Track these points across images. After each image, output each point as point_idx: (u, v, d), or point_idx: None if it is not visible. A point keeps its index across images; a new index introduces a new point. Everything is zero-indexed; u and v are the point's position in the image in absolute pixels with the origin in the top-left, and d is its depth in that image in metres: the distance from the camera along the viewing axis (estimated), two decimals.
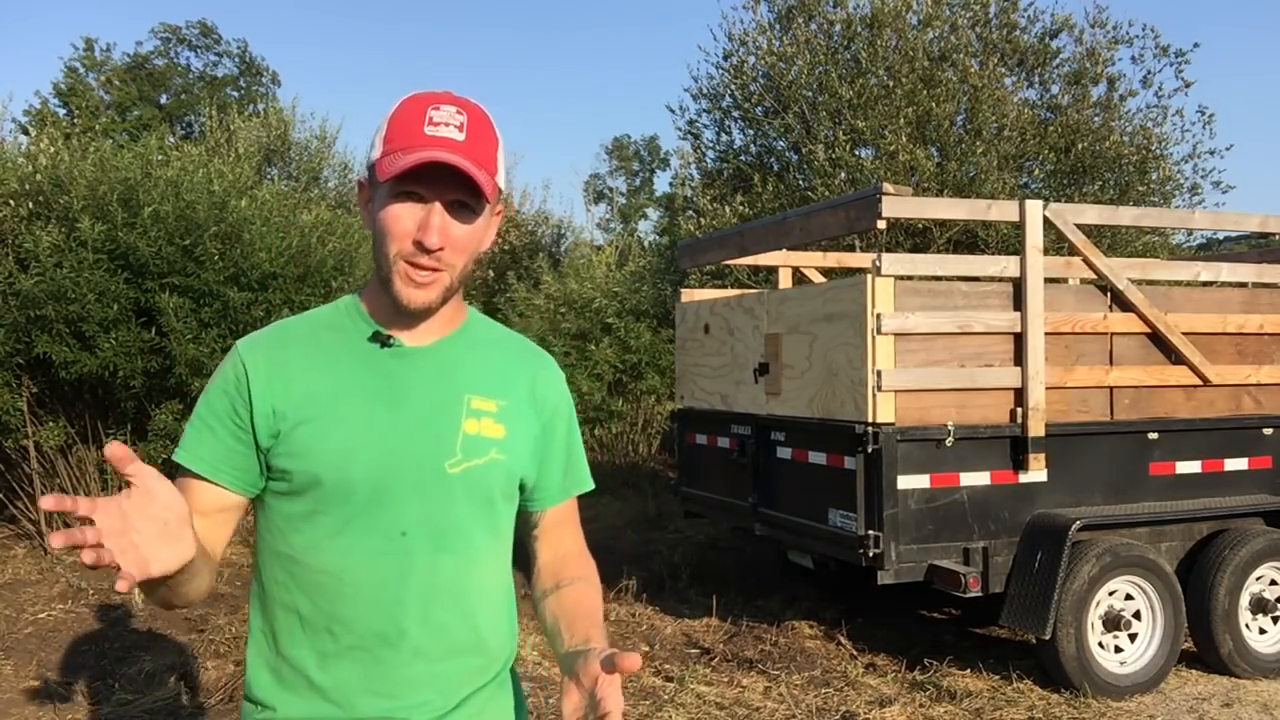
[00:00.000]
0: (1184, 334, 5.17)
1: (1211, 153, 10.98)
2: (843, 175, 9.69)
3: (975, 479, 4.83)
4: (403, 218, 1.38)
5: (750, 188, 10.38)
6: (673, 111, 12.96)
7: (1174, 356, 5.19)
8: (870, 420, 4.66)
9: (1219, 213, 7.10)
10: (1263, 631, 5.14)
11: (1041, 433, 4.85)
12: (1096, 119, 10.35)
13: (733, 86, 11.09)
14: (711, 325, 6.15)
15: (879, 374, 4.65)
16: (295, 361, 1.42)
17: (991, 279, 4.99)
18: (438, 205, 1.38)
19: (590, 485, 1.65)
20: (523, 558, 1.60)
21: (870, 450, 4.66)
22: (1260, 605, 5.10)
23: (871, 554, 4.66)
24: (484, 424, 1.47)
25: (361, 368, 1.43)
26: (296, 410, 1.39)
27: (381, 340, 1.45)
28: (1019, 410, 4.87)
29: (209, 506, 1.41)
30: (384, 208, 1.39)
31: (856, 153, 9.86)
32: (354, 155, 15.48)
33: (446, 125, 1.38)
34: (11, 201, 6.75)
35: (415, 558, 1.40)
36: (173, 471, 1.42)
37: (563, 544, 1.62)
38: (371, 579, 1.38)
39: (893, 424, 4.67)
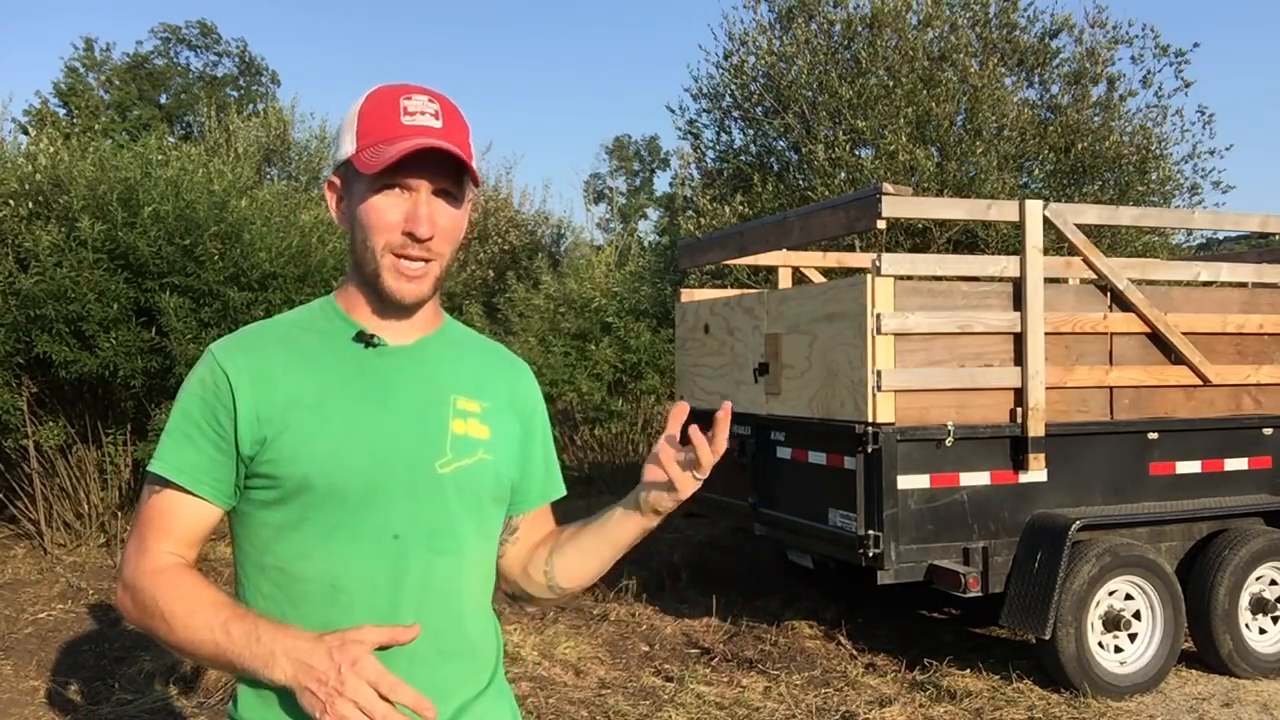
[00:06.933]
0: (1184, 334, 5.17)
1: (1211, 153, 10.99)
2: (843, 175, 9.69)
3: (975, 479, 4.83)
4: (388, 210, 1.35)
5: (750, 188, 10.37)
6: (673, 111, 12.93)
7: (1174, 356, 5.19)
8: (870, 420, 4.66)
9: (1219, 213, 7.10)
10: (1263, 631, 5.14)
11: (1041, 433, 4.85)
12: (1096, 119, 10.35)
13: (733, 86, 11.09)
14: (711, 325, 6.15)
15: (879, 374, 4.65)
16: (276, 364, 1.37)
17: (991, 279, 4.99)
18: (424, 194, 1.35)
19: (564, 491, 1.64)
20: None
21: (870, 450, 4.66)
22: (1260, 605, 5.10)
23: (871, 554, 4.66)
24: (470, 424, 1.44)
25: (345, 367, 1.40)
26: (282, 414, 1.34)
27: (365, 339, 1.41)
28: (1019, 410, 4.87)
29: (190, 527, 1.37)
30: (365, 202, 1.36)
31: (856, 153, 9.85)
32: None
33: (422, 114, 1.36)
34: (11, 201, 6.74)
35: (409, 560, 1.36)
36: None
37: (544, 529, 1.62)
38: (364, 585, 1.34)
39: (893, 424, 4.67)
